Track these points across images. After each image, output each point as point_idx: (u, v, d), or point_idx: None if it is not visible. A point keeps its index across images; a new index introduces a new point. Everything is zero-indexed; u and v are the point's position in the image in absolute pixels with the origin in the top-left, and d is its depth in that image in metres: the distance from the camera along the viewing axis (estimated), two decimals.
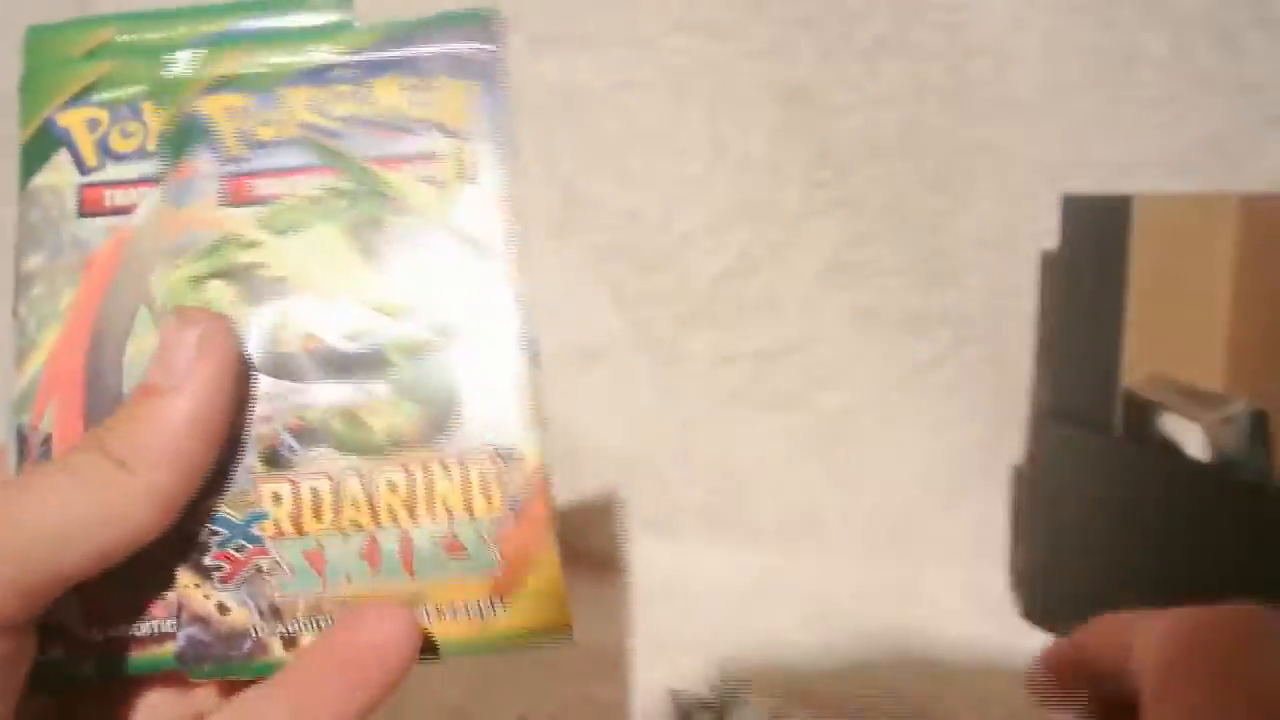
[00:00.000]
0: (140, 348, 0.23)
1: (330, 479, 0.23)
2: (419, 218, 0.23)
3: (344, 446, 0.23)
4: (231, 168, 0.24)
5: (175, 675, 0.23)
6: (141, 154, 0.23)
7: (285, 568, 0.22)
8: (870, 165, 0.53)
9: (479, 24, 0.24)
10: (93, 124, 0.23)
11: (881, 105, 0.53)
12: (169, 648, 0.22)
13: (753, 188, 0.54)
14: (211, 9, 0.24)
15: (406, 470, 0.23)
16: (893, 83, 0.52)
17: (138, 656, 0.22)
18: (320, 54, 0.24)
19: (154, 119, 0.23)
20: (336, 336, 0.23)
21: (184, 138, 0.24)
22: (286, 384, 0.23)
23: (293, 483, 0.23)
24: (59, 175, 0.23)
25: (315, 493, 0.23)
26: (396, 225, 0.23)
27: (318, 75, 0.24)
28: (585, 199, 0.54)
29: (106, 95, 0.24)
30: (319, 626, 0.22)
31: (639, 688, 0.49)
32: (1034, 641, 0.41)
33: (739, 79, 0.53)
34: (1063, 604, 0.50)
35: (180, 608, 0.22)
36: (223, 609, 0.22)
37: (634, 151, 0.54)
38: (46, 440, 0.23)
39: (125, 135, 0.23)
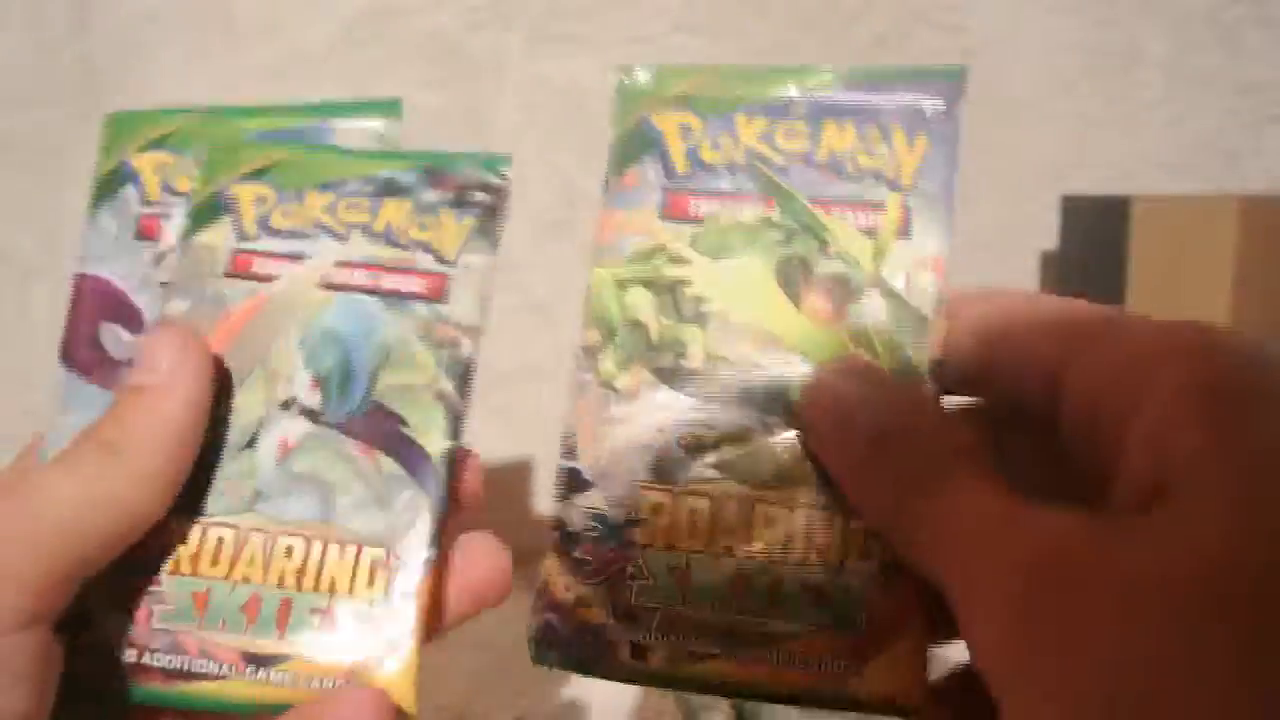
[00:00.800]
0: (244, 402, 0.24)
1: (710, 499, 0.23)
2: (849, 265, 0.23)
3: (731, 472, 0.23)
4: (675, 183, 0.24)
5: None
6: (294, 234, 0.25)
7: (650, 576, 0.23)
8: None
9: (944, 81, 0.24)
10: (259, 201, 0.26)
11: None
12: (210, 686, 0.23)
13: None
14: (270, 109, 0.27)
15: (788, 507, 0.22)
16: None
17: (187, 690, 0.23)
18: (783, 89, 0.25)
19: (312, 206, 0.25)
20: (747, 364, 0.23)
21: (636, 146, 0.25)
22: (686, 399, 0.23)
23: (673, 495, 0.23)
24: (218, 237, 0.25)
25: (693, 511, 0.23)
26: (825, 268, 0.23)
27: (776, 109, 0.24)
28: (585, 199, 0.54)
29: (276, 179, 0.26)
30: (670, 639, 0.23)
31: (639, 688, 0.49)
32: None
33: None
34: None
35: (543, 591, 0.23)
36: (581, 602, 0.23)
37: None
38: None
39: (285, 215, 0.25)
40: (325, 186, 0.26)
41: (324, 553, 0.23)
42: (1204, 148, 0.52)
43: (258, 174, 0.26)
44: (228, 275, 0.25)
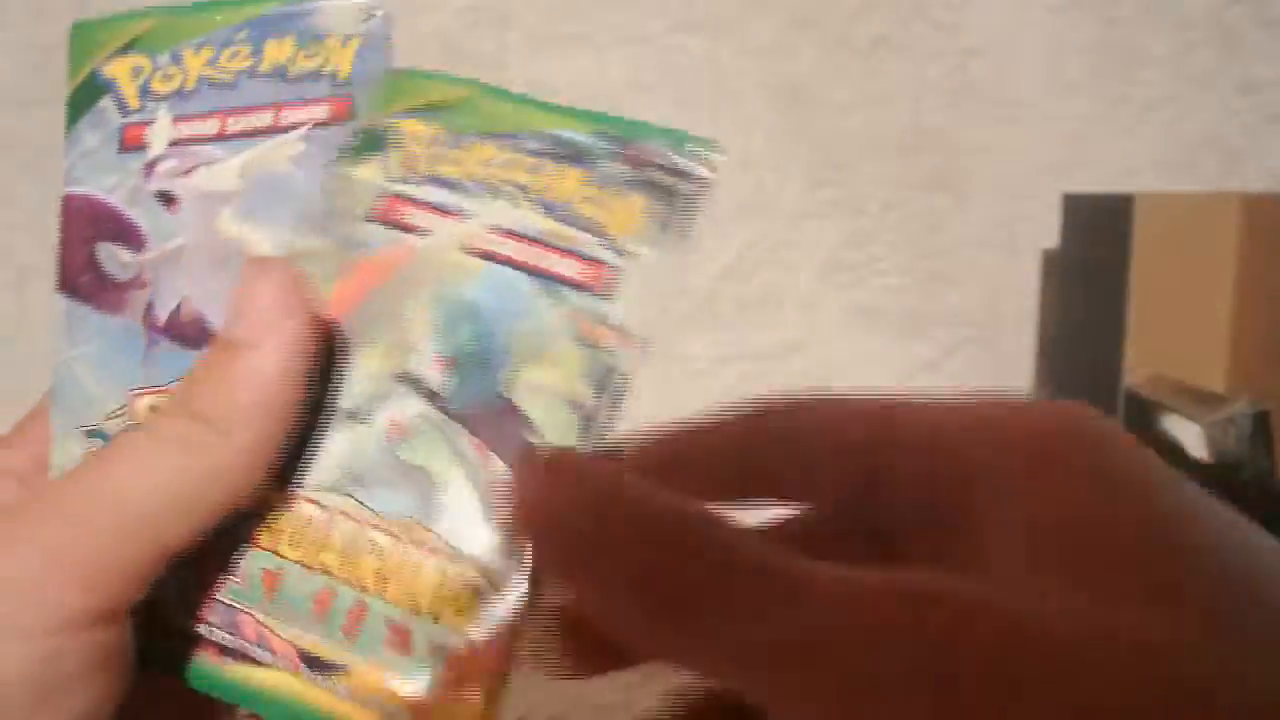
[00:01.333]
0: (361, 368, 0.21)
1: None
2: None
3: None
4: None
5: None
6: (454, 185, 0.22)
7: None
8: (870, 165, 0.53)
9: None
10: (427, 140, 0.23)
11: (881, 104, 0.53)
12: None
13: (752, 187, 0.54)
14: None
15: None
16: (893, 82, 0.52)
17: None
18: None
19: (478, 156, 0.22)
20: None
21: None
22: None
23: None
24: (372, 173, 0.23)
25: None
26: None
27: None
28: None
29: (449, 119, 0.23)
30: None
31: (641, 688, 0.49)
32: None
33: (739, 78, 0.53)
34: None
35: None
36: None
37: None
38: None
39: (450, 162, 0.22)
40: (494, 136, 0.23)
41: (414, 560, 0.20)
42: (1205, 147, 0.52)
43: (430, 109, 0.23)
44: (371, 219, 0.22)
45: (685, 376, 0.56)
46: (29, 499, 0.20)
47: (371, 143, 0.23)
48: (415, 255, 0.22)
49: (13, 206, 0.55)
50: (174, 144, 0.24)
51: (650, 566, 0.15)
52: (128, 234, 0.23)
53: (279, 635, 0.20)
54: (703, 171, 0.21)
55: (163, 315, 0.23)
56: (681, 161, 0.21)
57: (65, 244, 0.24)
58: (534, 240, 0.21)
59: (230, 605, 0.21)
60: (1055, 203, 0.49)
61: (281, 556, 0.21)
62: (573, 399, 0.20)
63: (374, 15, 0.24)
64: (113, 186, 0.23)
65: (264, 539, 0.21)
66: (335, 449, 0.21)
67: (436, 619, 0.20)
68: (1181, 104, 0.52)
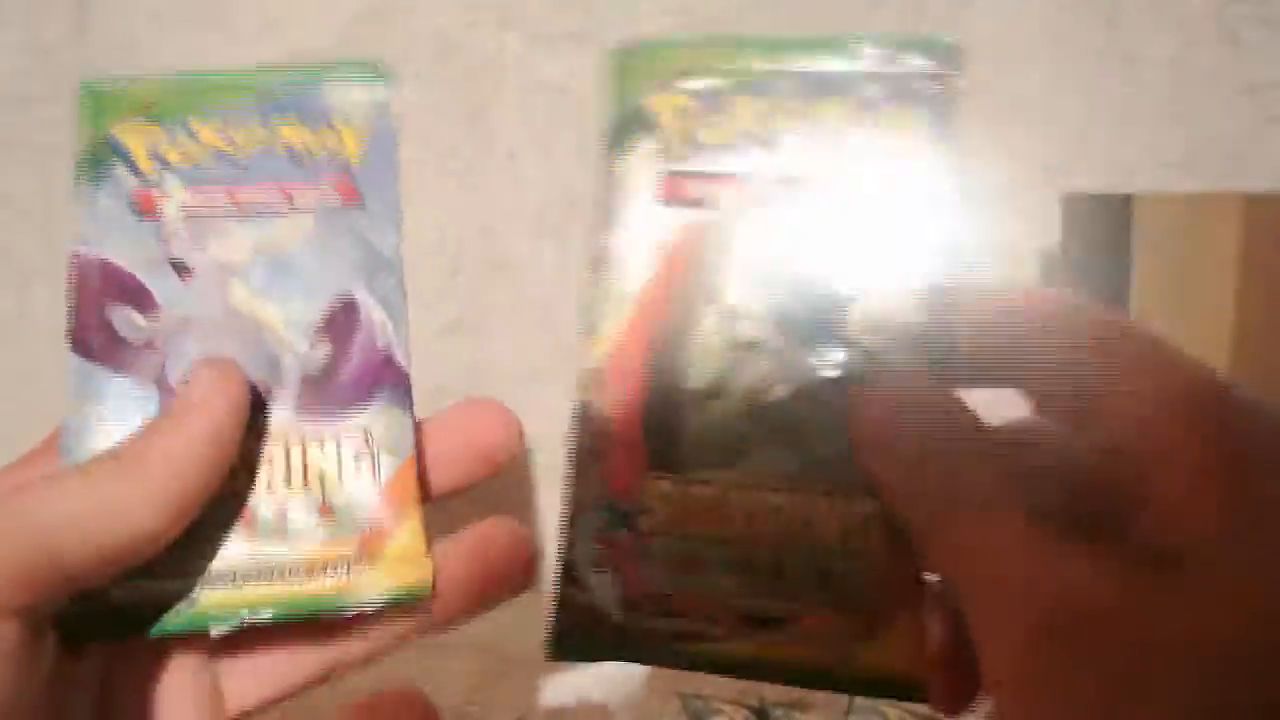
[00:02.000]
0: (705, 347, 0.22)
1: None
2: None
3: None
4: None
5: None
6: (726, 148, 0.23)
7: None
8: None
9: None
10: (681, 112, 0.23)
11: None
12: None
13: None
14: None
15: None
16: None
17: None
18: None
19: (740, 114, 0.23)
20: None
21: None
22: None
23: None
24: (642, 160, 0.23)
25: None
26: None
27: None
28: (585, 198, 0.54)
29: (696, 84, 0.23)
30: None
31: (640, 689, 0.49)
32: None
33: None
34: None
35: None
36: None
37: None
38: (604, 424, 0.23)
39: (712, 126, 0.23)
40: (750, 88, 0.23)
41: (808, 510, 0.22)
42: (1207, 146, 0.52)
43: (683, 75, 0.23)
44: (659, 202, 0.23)
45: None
46: None
47: (634, 126, 0.23)
48: (711, 229, 0.22)
49: (12, 206, 0.55)
50: (186, 213, 0.25)
51: (930, 460, 0.20)
52: (141, 298, 0.25)
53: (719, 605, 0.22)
54: (951, 70, 0.22)
55: (174, 378, 0.25)
56: (933, 63, 0.22)
57: (78, 303, 0.25)
58: (823, 179, 0.22)
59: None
60: (1056, 202, 0.49)
61: (690, 536, 0.22)
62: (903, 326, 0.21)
63: (382, 106, 0.25)
64: (126, 251, 0.25)
65: (673, 526, 0.23)
66: (708, 427, 0.22)
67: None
68: (1182, 104, 0.52)
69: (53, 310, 0.59)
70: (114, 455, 0.22)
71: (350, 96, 0.25)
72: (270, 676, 0.26)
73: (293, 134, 0.25)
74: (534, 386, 0.55)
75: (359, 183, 0.25)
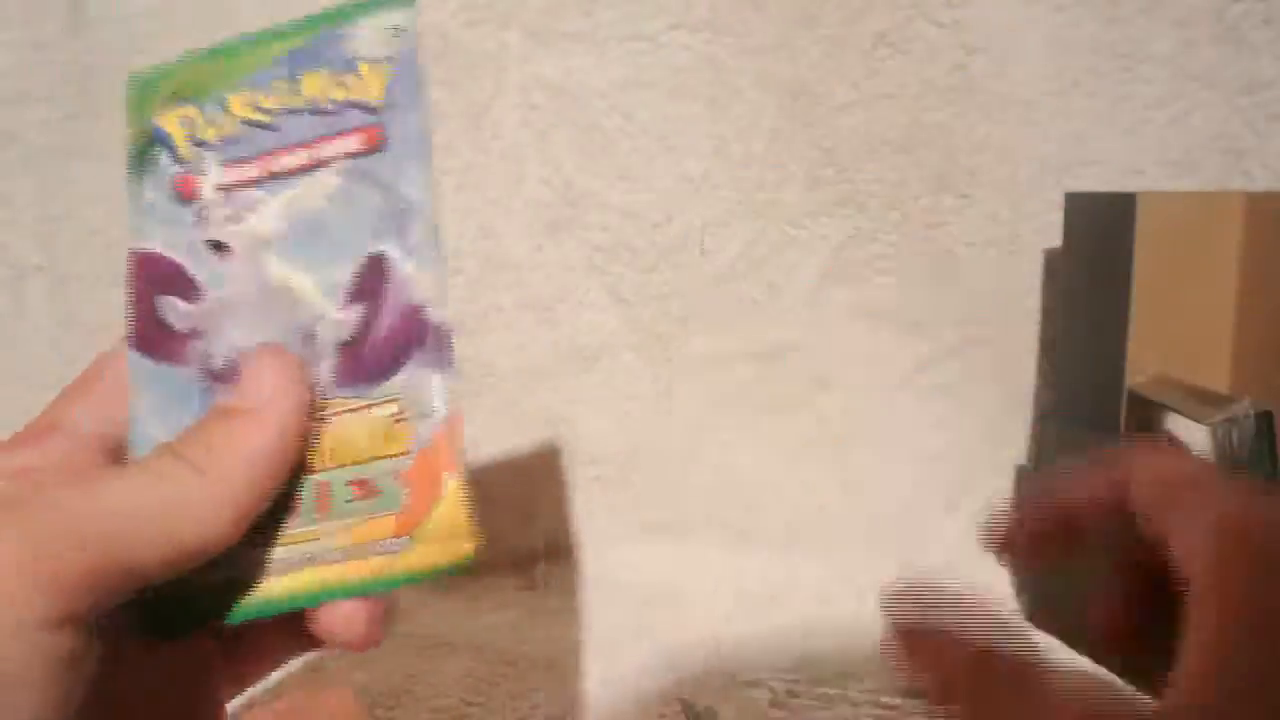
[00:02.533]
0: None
1: None
2: None
3: None
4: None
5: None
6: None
7: None
8: (872, 163, 0.53)
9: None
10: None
11: (883, 103, 0.52)
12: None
13: (753, 186, 0.54)
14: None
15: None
16: (894, 80, 0.52)
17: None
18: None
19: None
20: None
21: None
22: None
23: None
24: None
25: None
26: None
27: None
28: (585, 198, 0.54)
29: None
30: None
31: (640, 689, 0.49)
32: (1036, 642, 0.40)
33: (739, 76, 0.52)
34: (1067, 605, 0.50)
35: None
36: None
37: (634, 150, 0.53)
38: None
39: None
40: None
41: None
42: (1208, 145, 0.52)
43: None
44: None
45: (685, 377, 0.56)
46: (15, 500, 0.21)
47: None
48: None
49: (11, 206, 0.55)
50: (222, 190, 0.25)
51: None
52: (184, 285, 0.25)
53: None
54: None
55: (218, 362, 0.24)
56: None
57: (132, 300, 0.25)
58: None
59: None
60: (1057, 202, 0.49)
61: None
62: None
63: (403, 32, 0.24)
64: (170, 239, 0.25)
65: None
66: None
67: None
68: (1184, 103, 0.52)
69: (51, 310, 0.59)
70: (177, 454, 0.22)
71: (375, 29, 0.25)
72: (269, 663, 0.26)
73: (316, 86, 0.25)
74: (534, 386, 0.55)
75: (384, 122, 0.25)
